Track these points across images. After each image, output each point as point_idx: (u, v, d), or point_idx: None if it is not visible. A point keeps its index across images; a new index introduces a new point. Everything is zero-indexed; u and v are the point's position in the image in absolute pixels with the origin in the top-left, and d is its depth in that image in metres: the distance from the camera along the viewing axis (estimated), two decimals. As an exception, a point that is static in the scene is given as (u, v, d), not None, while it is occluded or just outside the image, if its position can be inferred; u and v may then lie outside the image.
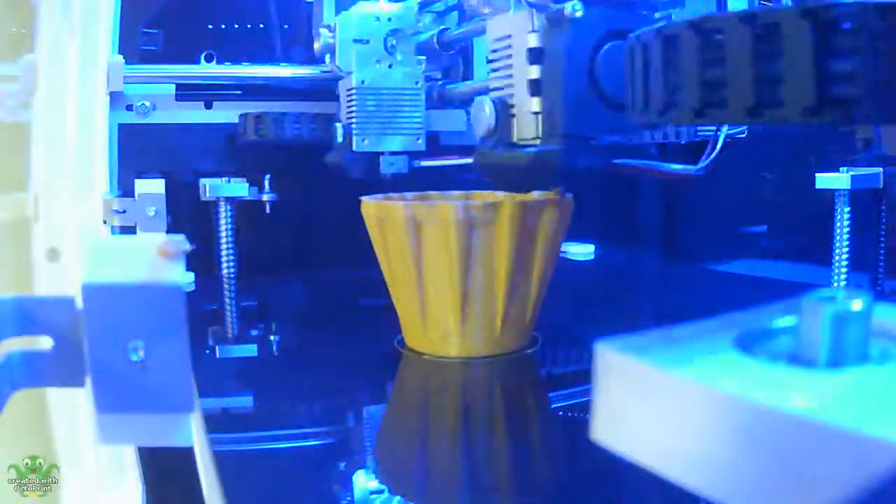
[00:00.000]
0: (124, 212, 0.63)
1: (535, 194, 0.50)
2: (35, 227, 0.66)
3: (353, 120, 0.68)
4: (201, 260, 0.72)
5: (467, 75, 0.72)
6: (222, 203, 0.76)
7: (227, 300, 0.72)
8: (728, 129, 0.81)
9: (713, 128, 0.80)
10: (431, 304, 0.48)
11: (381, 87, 0.68)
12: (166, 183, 0.64)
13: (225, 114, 0.79)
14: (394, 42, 0.68)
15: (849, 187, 0.62)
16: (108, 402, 0.24)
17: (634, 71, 0.31)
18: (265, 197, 0.78)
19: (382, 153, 0.68)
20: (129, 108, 0.77)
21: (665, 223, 0.91)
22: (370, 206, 0.50)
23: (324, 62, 0.73)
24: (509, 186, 0.50)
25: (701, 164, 0.48)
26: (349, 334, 0.61)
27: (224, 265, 0.76)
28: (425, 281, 0.47)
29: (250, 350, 0.58)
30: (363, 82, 0.68)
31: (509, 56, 0.47)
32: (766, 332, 0.18)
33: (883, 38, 0.20)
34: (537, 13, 0.44)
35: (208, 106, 0.80)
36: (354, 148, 0.68)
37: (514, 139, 0.47)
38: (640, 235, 0.93)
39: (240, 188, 0.75)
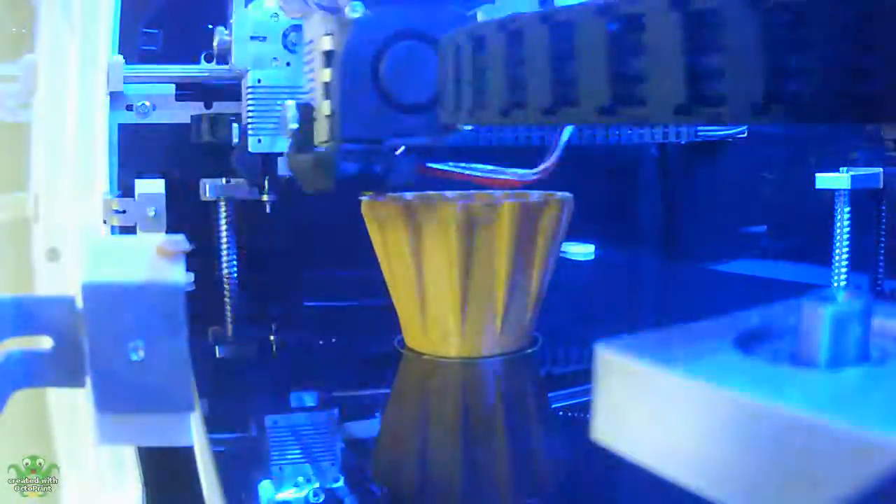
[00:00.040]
0: (124, 212, 0.63)
1: (535, 194, 0.50)
2: (35, 227, 0.66)
3: (249, 120, 0.67)
4: (201, 260, 0.72)
5: None
6: (222, 203, 0.76)
7: (227, 300, 0.72)
8: (720, 131, 0.81)
9: (715, 128, 0.80)
10: (431, 304, 0.48)
11: (278, 86, 0.66)
12: (166, 183, 0.64)
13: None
14: (294, 39, 0.66)
15: (849, 187, 0.62)
16: (108, 402, 0.24)
17: (445, 72, 0.29)
18: (265, 197, 0.78)
19: (280, 154, 0.67)
20: (129, 108, 0.77)
21: (665, 223, 0.91)
22: (370, 206, 0.50)
23: (226, 61, 0.72)
24: (304, 188, 0.50)
25: (539, 168, 0.48)
26: (349, 334, 0.61)
27: (224, 265, 0.76)
28: (425, 281, 0.47)
29: (250, 350, 0.58)
30: (259, 81, 0.66)
31: (313, 59, 0.47)
32: (766, 332, 0.18)
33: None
34: (331, 15, 0.44)
35: (208, 106, 0.79)
36: (250, 149, 0.67)
37: (316, 142, 0.47)
38: (640, 235, 0.93)
39: (240, 188, 0.75)
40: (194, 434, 0.29)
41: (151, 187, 0.63)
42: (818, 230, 0.66)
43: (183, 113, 0.78)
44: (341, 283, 0.79)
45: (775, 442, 0.14)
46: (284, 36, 0.66)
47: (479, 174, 0.47)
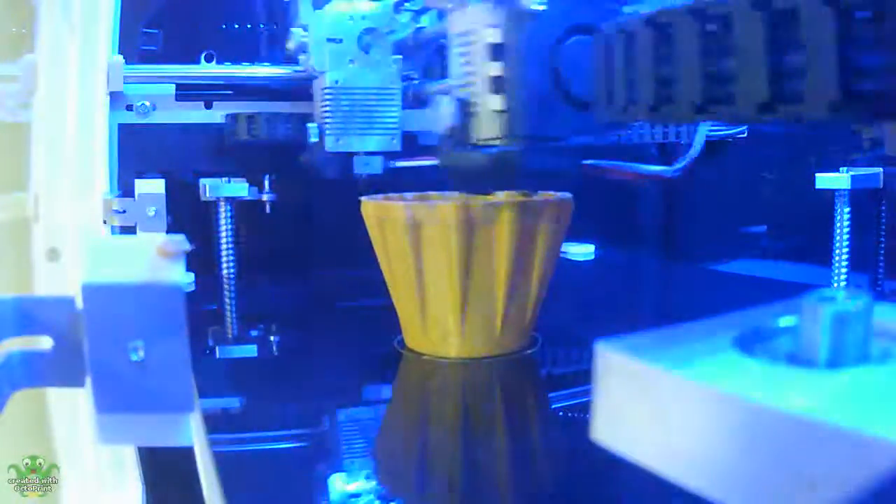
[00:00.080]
0: (124, 212, 0.63)
1: (535, 195, 0.50)
2: (35, 227, 0.66)
3: (327, 120, 0.67)
4: (201, 260, 0.72)
5: (446, 74, 0.71)
6: (222, 203, 0.76)
7: (227, 300, 0.72)
8: (720, 130, 0.81)
9: (716, 128, 0.80)
10: (431, 305, 0.48)
11: (355, 87, 0.67)
12: (166, 183, 0.64)
13: (225, 114, 0.79)
14: (368, 41, 0.67)
15: (849, 187, 0.62)
16: (108, 402, 0.24)
17: (607, 64, 0.30)
18: (265, 197, 0.78)
19: (357, 153, 0.68)
20: (129, 108, 0.77)
21: (665, 223, 0.91)
22: (370, 206, 0.50)
23: (298, 62, 0.73)
24: (470, 188, 0.49)
25: (677, 166, 0.48)
26: (349, 334, 0.61)
27: (224, 265, 0.76)
28: (425, 281, 0.47)
29: (250, 350, 0.58)
30: (336, 82, 0.67)
31: (471, 52, 0.46)
32: (766, 332, 0.18)
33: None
34: (497, 6, 0.43)
35: (208, 106, 0.80)
36: (327, 148, 0.67)
37: (476, 139, 0.46)
38: (640, 235, 0.93)
39: (240, 188, 0.75)
40: (194, 434, 0.29)
41: (151, 187, 0.63)
42: (818, 230, 0.66)
43: (183, 113, 0.79)
44: (341, 283, 0.79)
45: (775, 442, 0.14)
46: (360, 38, 0.67)
47: (629, 171, 0.47)
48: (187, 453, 0.37)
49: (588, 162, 0.44)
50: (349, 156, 0.68)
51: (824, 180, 0.62)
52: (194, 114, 0.79)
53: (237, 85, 0.80)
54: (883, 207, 0.65)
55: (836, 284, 0.63)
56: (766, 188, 0.82)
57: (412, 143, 0.70)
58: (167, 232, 0.61)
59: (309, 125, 0.69)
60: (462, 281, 0.46)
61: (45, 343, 0.25)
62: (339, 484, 0.34)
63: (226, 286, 0.75)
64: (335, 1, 0.68)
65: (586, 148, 0.44)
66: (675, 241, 0.90)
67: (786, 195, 0.78)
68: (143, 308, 0.23)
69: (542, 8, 0.41)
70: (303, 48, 0.70)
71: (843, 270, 0.63)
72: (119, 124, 0.76)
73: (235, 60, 0.80)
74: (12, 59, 0.69)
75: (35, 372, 0.25)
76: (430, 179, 0.56)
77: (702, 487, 0.15)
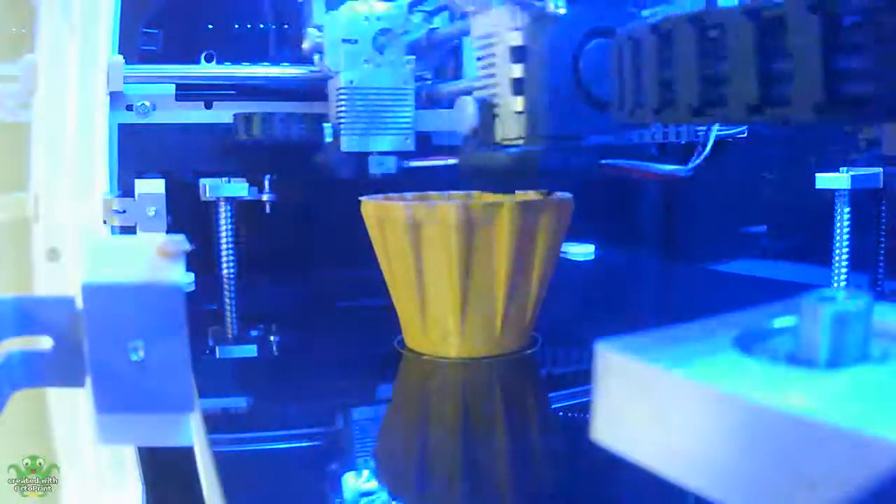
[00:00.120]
0: (124, 212, 0.63)
1: (535, 195, 0.50)
2: (35, 227, 0.66)
3: (342, 120, 0.67)
4: (201, 260, 0.72)
5: (458, 75, 0.72)
6: (222, 203, 0.76)
7: (227, 300, 0.72)
8: (719, 130, 0.81)
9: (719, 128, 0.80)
10: (431, 305, 0.48)
11: (370, 87, 0.68)
12: (166, 183, 0.64)
13: (225, 114, 0.79)
14: (383, 41, 0.67)
15: (849, 187, 0.62)
16: (108, 402, 0.24)
17: (619, 69, 0.30)
18: (265, 197, 0.78)
19: (371, 153, 0.68)
20: (129, 108, 0.77)
21: (665, 223, 0.91)
22: (370, 206, 0.50)
23: (312, 62, 0.73)
24: (492, 187, 0.50)
25: (691, 165, 0.48)
26: (349, 334, 0.61)
27: (224, 265, 0.76)
28: (425, 281, 0.47)
29: (250, 350, 0.58)
30: (351, 82, 0.67)
31: (493, 55, 0.46)
32: (766, 332, 0.18)
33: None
34: (520, 10, 0.44)
35: (208, 106, 0.80)
36: (342, 148, 0.68)
37: (498, 139, 0.46)
38: (640, 235, 0.93)
39: (240, 188, 0.76)
40: (194, 434, 0.29)
41: (151, 187, 0.63)
42: (818, 230, 0.66)
43: (183, 113, 0.79)
44: (341, 283, 0.79)
45: (775, 442, 0.14)
46: (374, 38, 0.67)
47: (646, 170, 0.47)
48: (187, 453, 0.37)
49: (606, 161, 0.45)
50: (364, 156, 0.68)
51: (824, 180, 0.62)
52: (194, 114, 0.79)
53: (245, 85, 0.80)
54: (883, 207, 0.65)
55: (836, 284, 0.63)
56: (766, 188, 0.82)
57: (425, 143, 0.71)
58: (167, 232, 0.61)
59: (324, 125, 0.69)
60: (462, 281, 0.46)
61: (45, 343, 0.25)
62: (338, 484, 0.34)
63: (226, 286, 0.75)
64: (350, 2, 0.68)
65: (602, 148, 0.44)
66: (675, 241, 0.90)
67: (786, 195, 0.78)
68: (143, 308, 0.23)
69: (563, 11, 0.42)
70: (318, 48, 0.70)
71: (843, 270, 0.63)
72: (119, 124, 0.76)
73: (235, 60, 0.80)
74: (12, 59, 0.69)
75: (35, 372, 0.25)
76: (443, 179, 0.57)
77: (702, 487, 0.15)
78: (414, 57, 0.68)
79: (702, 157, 0.48)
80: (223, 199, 0.76)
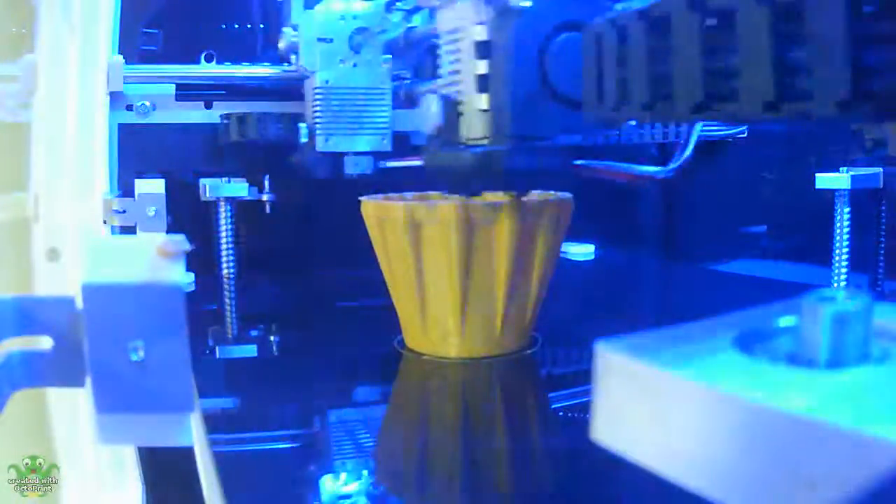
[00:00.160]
0: (124, 212, 0.63)
1: (533, 194, 0.50)
2: (35, 227, 0.66)
3: (317, 120, 0.67)
4: (201, 260, 0.72)
5: (436, 74, 0.71)
6: (222, 203, 0.76)
7: (227, 300, 0.72)
8: (720, 130, 0.81)
9: (716, 128, 0.80)
10: (431, 305, 0.48)
11: (346, 87, 0.67)
12: (166, 183, 0.64)
13: (221, 114, 0.79)
14: (359, 41, 0.67)
15: (849, 187, 0.62)
16: (108, 402, 0.24)
17: (597, 60, 0.29)
18: (265, 197, 0.78)
19: (347, 153, 0.68)
20: (129, 108, 0.77)
21: (665, 223, 0.91)
22: (370, 206, 0.50)
23: (289, 62, 0.73)
24: (456, 189, 0.48)
25: (671, 166, 0.47)
26: (349, 334, 0.61)
27: (224, 265, 0.76)
28: (425, 281, 0.47)
29: (250, 350, 0.58)
30: (327, 82, 0.67)
31: (458, 50, 0.45)
32: (766, 332, 0.18)
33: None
34: (485, 3, 0.42)
35: (208, 106, 0.80)
36: (318, 148, 0.67)
37: (462, 138, 0.45)
38: (640, 235, 0.93)
39: (240, 188, 0.76)
40: (194, 434, 0.29)
41: (151, 187, 0.63)
42: (818, 230, 0.66)
43: (183, 113, 0.79)
44: (341, 283, 0.79)
45: (775, 442, 0.14)
46: (350, 38, 0.67)
47: (621, 171, 0.46)
48: (187, 453, 0.37)
49: (579, 162, 0.43)
50: (339, 156, 0.68)
51: (824, 180, 0.62)
52: (194, 114, 0.79)
53: (232, 85, 0.80)
54: (883, 207, 0.65)
55: (836, 284, 0.63)
56: (766, 188, 0.82)
57: (403, 143, 0.70)
58: (167, 232, 0.61)
59: (300, 125, 0.69)
60: (462, 281, 0.46)
61: (45, 343, 0.25)
62: (339, 484, 0.34)
63: (226, 286, 0.75)
64: (326, 0, 0.68)
65: (580, 148, 0.43)
66: (675, 241, 0.90)
67: (786, 195, 0.78)
68: (143, 308, 0.23)
69: (529, 4, 0.40)
70: (293, 48, 0.70)
71: (843, 270, 0.63)
72: (119, 124, 0.76)
73: (235, 60, 0.80)
74: (12, 59, 0.69)
75: (35, 372, 0.25)
76: (423, 179, 0.56)
77: (702, 487, 0.15)
78: (391, 56, 0.68)
79: (683, 158, 0.47)
80: (223, 199, 0.76)
